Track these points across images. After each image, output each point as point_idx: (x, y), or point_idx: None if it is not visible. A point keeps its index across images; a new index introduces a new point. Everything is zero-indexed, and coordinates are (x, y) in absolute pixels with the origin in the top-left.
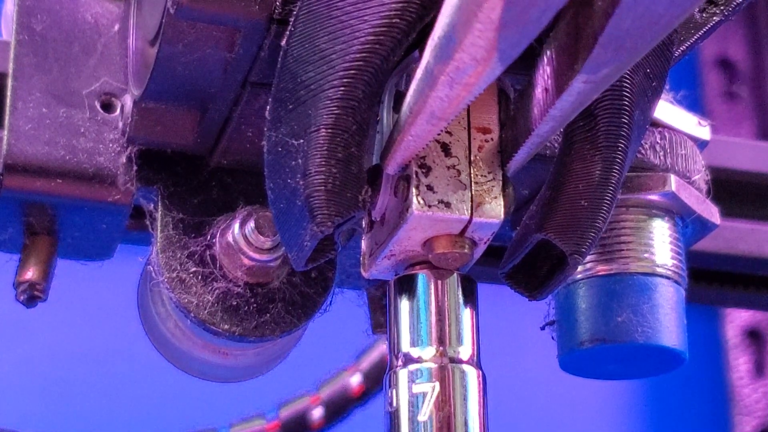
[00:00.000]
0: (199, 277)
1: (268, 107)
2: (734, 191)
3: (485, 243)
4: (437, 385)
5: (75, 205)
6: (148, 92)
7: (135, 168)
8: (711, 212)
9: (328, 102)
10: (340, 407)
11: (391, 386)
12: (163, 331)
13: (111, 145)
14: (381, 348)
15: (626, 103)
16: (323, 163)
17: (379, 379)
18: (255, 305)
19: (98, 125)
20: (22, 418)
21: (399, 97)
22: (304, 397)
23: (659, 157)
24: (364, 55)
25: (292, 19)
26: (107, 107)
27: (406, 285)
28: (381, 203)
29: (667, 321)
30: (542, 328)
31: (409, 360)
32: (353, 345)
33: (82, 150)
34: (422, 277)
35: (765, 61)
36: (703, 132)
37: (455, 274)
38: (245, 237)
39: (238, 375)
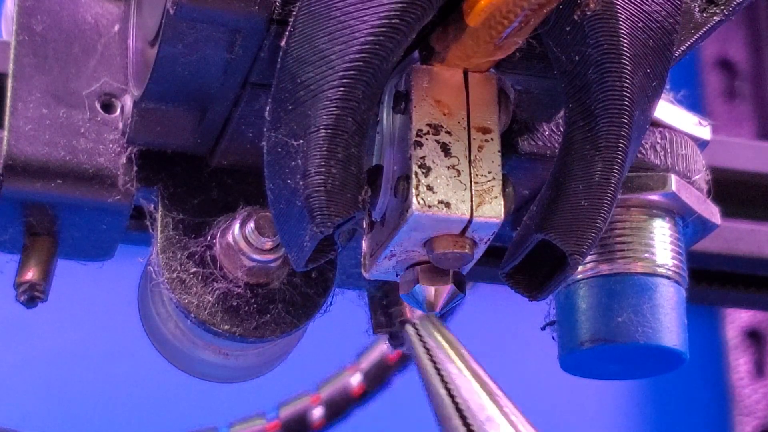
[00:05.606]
0: (200, 277)
1: (267, 108)
2: (735, 191)
3: (486, 243)
4: None
5: (75, 206)
6: (148, 93)
7: (135, 168)
8: (711, 212)
9: (328, 102)
10: (340, 407)
11: None
12: (163, 331)
13: (111, 145)
14: (381, 348)
15: (626, 103)
16: (323, 163)
17: (379, 378)
18: (255, 306)
19: (98, 126)
20: (22, 418)
21: (399, 98)
22: (304, 397)
23: (659, 157)
24: (364, 55)
25: (291, 20)
26: (107, 108)
27: None
28: (381, 204)
29: (667, 321)
30: (543, 329)
31: None
32: (353, 345)
33: (82, 150)
34: None
35: (765, 61)
36: (704, 132)
37: None
38: (245, 238)
39: (238, 375)
